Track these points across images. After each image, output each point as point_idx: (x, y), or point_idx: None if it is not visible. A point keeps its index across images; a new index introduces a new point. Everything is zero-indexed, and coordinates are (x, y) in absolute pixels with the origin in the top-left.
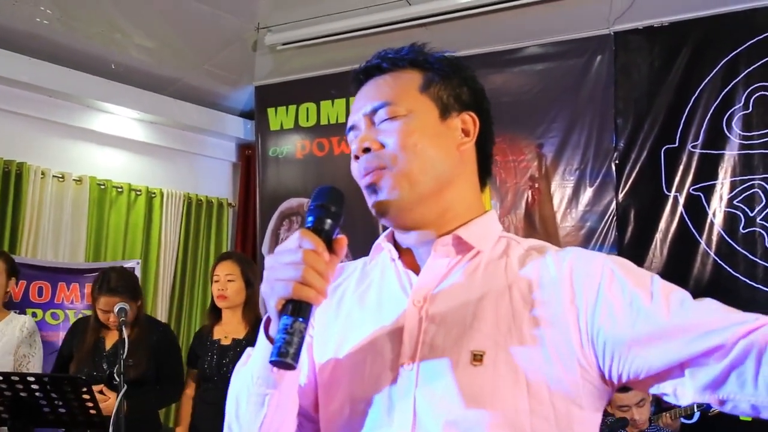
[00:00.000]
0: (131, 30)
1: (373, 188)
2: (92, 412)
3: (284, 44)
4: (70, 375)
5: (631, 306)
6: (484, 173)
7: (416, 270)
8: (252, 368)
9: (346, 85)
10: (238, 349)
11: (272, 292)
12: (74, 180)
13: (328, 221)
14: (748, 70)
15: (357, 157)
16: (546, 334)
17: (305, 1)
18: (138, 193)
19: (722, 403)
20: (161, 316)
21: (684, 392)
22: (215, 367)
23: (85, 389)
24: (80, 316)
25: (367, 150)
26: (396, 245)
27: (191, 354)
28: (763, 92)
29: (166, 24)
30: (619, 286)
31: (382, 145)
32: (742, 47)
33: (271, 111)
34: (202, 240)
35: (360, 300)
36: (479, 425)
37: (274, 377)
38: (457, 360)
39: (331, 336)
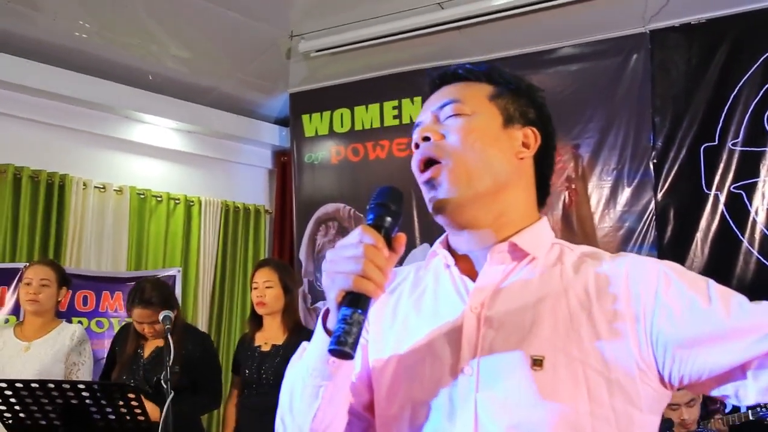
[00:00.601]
0: (167, 40)
1: (431, 184)
2: (140, 418)
3: (318, 51)
4: (119, 382)
5: (690, 309)
6: (542, 192)
7: (471, 276)
8: (308, 360)
9: (379, 90)
10: (277, 355)
11: (333, 284)
12: (115, 190)
13: (388, 219)
14: None
15: (417, 146)
16: (604, 338)
17: (337, 7)
18: (177, 201)
19: None
20: (201, 323)
21: (746, 394)
22: (255, 374)
23: (133, 396)
24: (124, 323)
25: (426, 139)
26: (451, 251)
27: (235, 361)
28: None
29: (201, 33)
30: (677, 289)
31: (443, 136)
32: None
33: (305, 117)
34: (240, 247)
35: (416, 305)
36: (541, 428)
37: (329, 369)
38: (518, 365)
39: (388, 340)
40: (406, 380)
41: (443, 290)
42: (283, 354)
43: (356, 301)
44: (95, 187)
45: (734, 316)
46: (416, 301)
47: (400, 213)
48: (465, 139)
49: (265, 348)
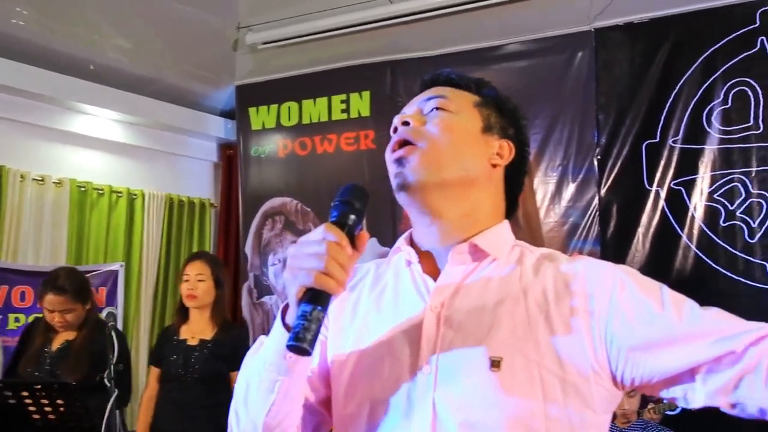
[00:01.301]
0: (109, 30)
1: (400, 161)
2: (51, 417)
3: (265, 43)
4: (62, 381)
5: (643, 313)
6: (510, 204)
7: (433, 275)
8: (265, 354)
9: (327, 83)
10: (205, 349)
11: (294, 280)
12: (54, 183)
13: (352, 217)
14: (727, 65)
15: (395, 130)
16: (560, 341)
17: (286, 0)
18: (119, 194)
19: (733, 406)
20: (144, 317)
21: (694, 397)
22: (181, 367)
23: (75, 395)
24: (33, 318)
25: (406, 123)
26: (414, 248)
27: (156, 353)
28: (741, 87)
29: (145, 24)
30: (631, 293)
31: (423, 123)
32: (721, 43)
33: (252, 110)
34: (184, 241)
35: (376, 303)
36: (497, 428)
37: (286, 364)
38: (476, 365)
39: (347, 337)
40: (365, 378)
41: (404, 288)
42: (210, 349)
43: (317, 298)
44: (33, 179)
45: (686, 321)
46: (377, 298)
47: (364, 211)
48: (443, 131)
49: (192, 342)
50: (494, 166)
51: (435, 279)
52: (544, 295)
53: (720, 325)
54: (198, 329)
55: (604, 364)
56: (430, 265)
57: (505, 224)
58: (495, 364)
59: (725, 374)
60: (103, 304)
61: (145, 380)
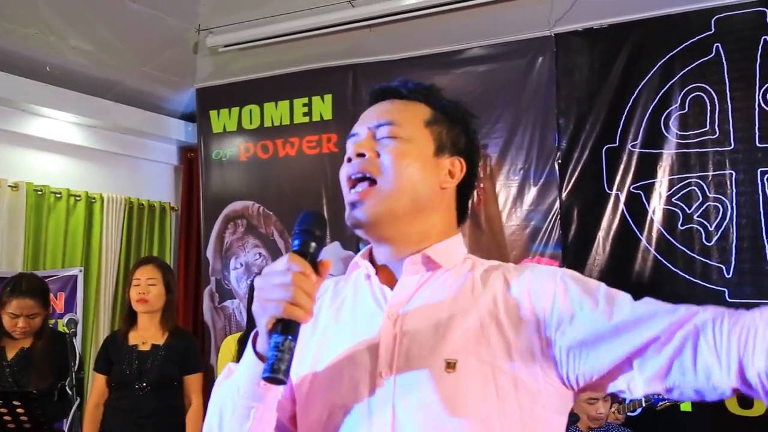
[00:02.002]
0: (67, 32)
1: (355, 205)
2: (27, 426)
3: (226, 46)
4: (21, 390)
5: (581, 313)
6: (461, 214)
7: (391, 285)
8: (238, 382)
9: (289, 86)
10: (158, 355)
11: (263, 312)
12: (10, 186)
13: (313, 244)
14: (684, 71)
15: (350, 160)
16: (511, 342)
17: (247, 2)
18: (77, 198)
19: (669, 391)
20: (104, 323)
21: (636, 386)
22: (135, 374)
23: (37, 404)
24: None
25: (361, 155)
26: (373, 262)
27: (102, 360)
28: (698, 93)
29: (104, 26)
30: (570, 296)
31: (377, 155)
32: (678, 49)
33: (213, 113)
34: (144, 245)
35: (335, 316)
36: (455, 427)
37: (260, 391)
38: (432, 368)
39: (308, 350)
40: (324, 386)
41: (362, 299)
42: (164, 354)
43: (287, 328)
44: None
45: (616, 315)
46: (336, 311)
47: (324, 237)
48: (396, 162)
49: (144, 347)
50: (444, 188)
51: (392, 289)
52: (494, 302)
53: (647, 313)
54: (148, 335)
55: (551, 364)
56: (388, 277)
57: (458, 237)
58: (450, 365)
59: (656, 360)
60: (62, 309)
61: None
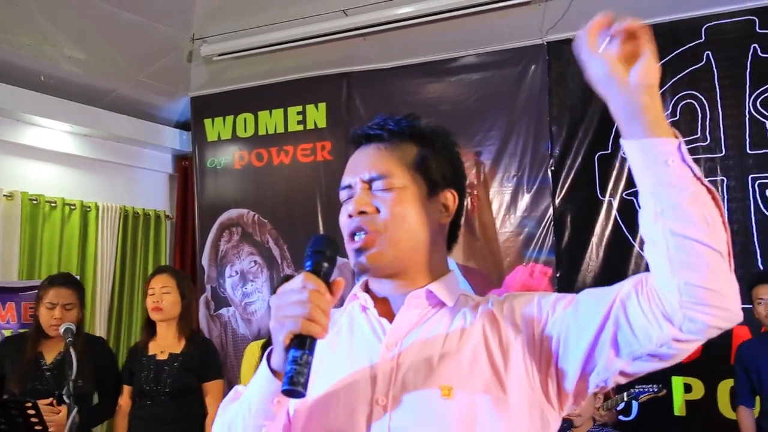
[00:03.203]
0: (61, 41)
1: (359, 252)
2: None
3: (220, 55)
4: (17, 398)
5: (554, 331)
6: (452, 239)
7: (388, 318)
8: (250, 401)
9: (283, 95)
10: (175, 363)
11: (281, 328)
12: (5, 196)
13: (325, 264)
14: (675, 79)
15: (351, 216)
16: (501, 369)
17: (241, 11)
18: (72, 207)
19: (633, 363)
20: (100, 331)
21: (607, 375)
22: (152, 383)
23: (33, 411)
24: (5, 337)
25: (362, 213)
26: (369, 293)
27: (125, 371)
28: (689, 100)
29: (98, 35)
30: (545, 316)
31: (377, 210)
32: (668, 57)
33: (207, 122)
34: (140, 253)
35: (330, 343)
36: None
37: (273, 409)
38: (428, 395)
39: None
40: (321, 412)
41: (359, 329)
42: (181, 362)
43: (304, 343)
44: None
45: (573, 314)
46: (330, 340)
47: (336, 258)
48: (395, 212)
49: (162, 357)
50: (443, 223)
51: (390, 321)
52: (484, 333)
53: (592, 306)
54: (166, 343)
55: (538, 384)
56: (386, 309)
57: (455, 275)
58: (445, 392)
59: (607, 345)
60: None
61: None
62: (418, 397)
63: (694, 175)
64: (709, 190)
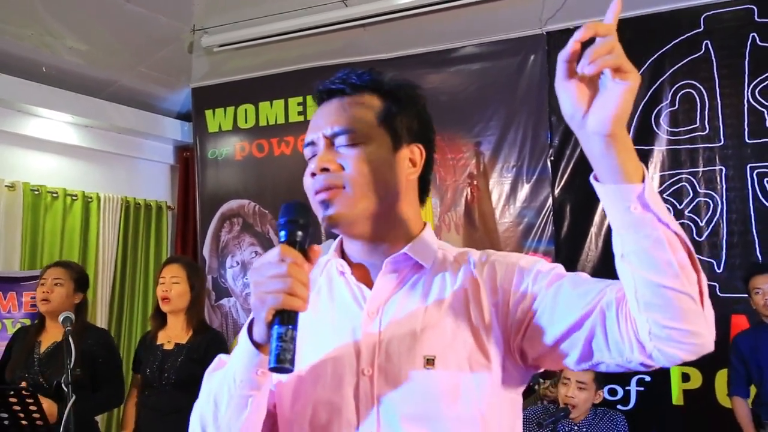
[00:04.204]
0: (63, 32)
1: (326, 204)
2: (39, 422)
3: (221, 46)
4: (16, 386)
5: (536, 298)
6: (423, 193)
7: (366, 283)
8: (234, 372)
9: (284, 86)
10: (181, 353)
11: (262, 305)
12: (7, 186)
13: (300, 233)
14: (673, 68)
15: (314, 174)
16: (482, 334)
17: (241, 2)
18: (74, 198)
19: (596, 366)
20: (101, 321)
21: (568, 364)
22: (157, 373)
23: (31, 400)
24: (18, 325)
25: (325, 170)
26: (345, 258)
27: (136, 360)
28: (687, 90)
29: (100, 26)
30: (525, 284)
31: (341, 167)
32: (667, 46)
33: (209, 113)
34: (141, 244)
35: (312, 306)
36: (439, 419)
37: (258, 380)
38: (413, 365)
39: None
40: (309, 380)
41: (340, 296)
42: (186, 353)
43: (287, 318)
44: None
45: (560, 300)
46: (312, 302)
47: (309, 224)
48: (360, 169)
49: (168, 347)
50: (411, 178)
51: (368, 286)
52: (466, 299)
53: (569, 300)
54: (174, 334)
55: (517, 347)
56: (363, 273)
57: (429, 230)
58: (429, 362)
59: (577, 346)
60: None
61: None
62: (403, 368)
63: (659, 220)
64: (677, 235)
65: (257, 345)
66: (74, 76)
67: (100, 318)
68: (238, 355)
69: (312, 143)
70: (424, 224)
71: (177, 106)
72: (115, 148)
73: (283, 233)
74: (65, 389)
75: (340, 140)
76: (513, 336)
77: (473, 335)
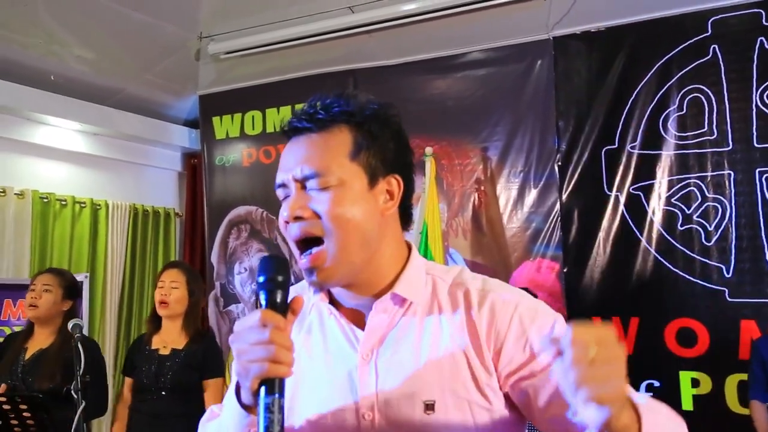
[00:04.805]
0: (70, 41)
1: (310, 271)
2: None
3: (227, 53)
4: (28, 394)
5: (528, 358)
6: (406, 221)
7: (358, 323)
8: (227, 428)
9: (290, 92)
10: (177, 359)
11: (247, 374)
12: (16, 194)
13: (279, 293)
14: (681, 73)
15: (287, 222)
16: (481, 377)
17: (248, 10)
18: (82, 205)
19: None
20: (110, 329)
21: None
22: (153, 377)
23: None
24: (9, 333)
25: (299, 218)
26: (332, 301)
27: (127, 362)
28: (695, 94)
29: (106, 34)
30: (522, 341)
31: (315, 215)
32: (675, 51)
33: (216, 120)
34: (149, 251)
35: (305, 346)
36: None
37: None
38: (412, 410)
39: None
40: (308, 427)
41: (332, 337)
42: (183, 359)
43: (273, 387)
44: None
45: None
46: (305, 341)
47: (288, 280)
48: (335, 214)
49: (164, 351)
50: (389, 213)
51: (360, 327)
52: (462, 333)
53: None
54: (170, 339)
55: (503, 394)
56: (354, 314)
57: (414, 259)
58: (429, 407)
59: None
60: None
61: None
62: (403, 413)
63: None
64: None
65: (246, 407)
66: (82, 84)
67: (108, 324)
68: (228, 415)
69: (283, 185)
70: (409, 251)
71: (184, 113)
72: (123, 155)
73: (263, 296)
74: (75, 396)
75: (312, 183)
76: (503, 383)
77: (473, 378)
